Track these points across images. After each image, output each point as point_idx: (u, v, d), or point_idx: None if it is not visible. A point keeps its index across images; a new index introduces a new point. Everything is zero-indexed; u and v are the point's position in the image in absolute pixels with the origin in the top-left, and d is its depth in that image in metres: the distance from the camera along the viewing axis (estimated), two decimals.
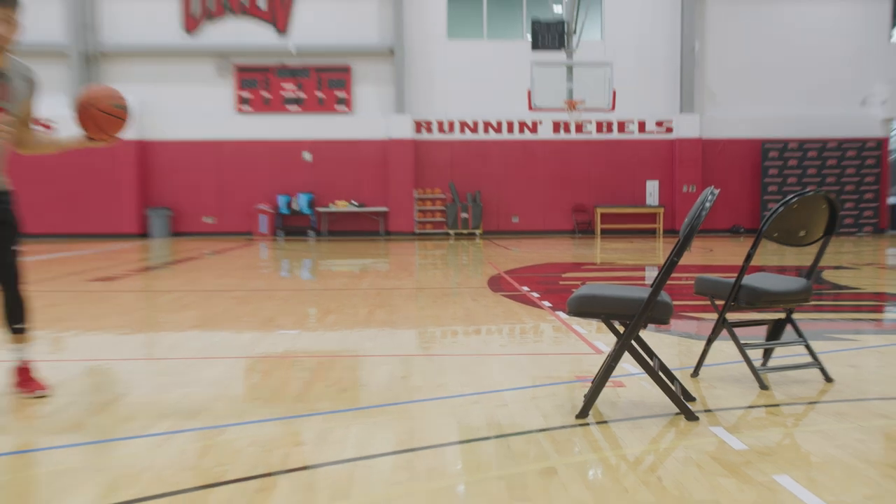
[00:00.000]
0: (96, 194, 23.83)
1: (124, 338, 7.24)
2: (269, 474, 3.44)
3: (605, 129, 24.95)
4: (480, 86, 24.88)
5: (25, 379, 4.84)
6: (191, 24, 24.64)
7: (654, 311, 4.27)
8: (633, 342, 4.37)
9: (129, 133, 4.66)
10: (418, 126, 24.83)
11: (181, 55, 24.42)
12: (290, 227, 24.74)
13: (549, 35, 20.26)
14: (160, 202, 24.42)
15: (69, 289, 10.70)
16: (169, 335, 7.26)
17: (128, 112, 4.71)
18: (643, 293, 4.32)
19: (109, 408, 4.59)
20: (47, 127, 4.65)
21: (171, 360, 6.11)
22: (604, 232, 24.68)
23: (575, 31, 20.47)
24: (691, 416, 4.23)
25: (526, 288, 10.61)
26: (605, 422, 4.24)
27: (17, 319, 4.79)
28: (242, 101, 24.58)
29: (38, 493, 3.32)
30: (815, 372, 5.24)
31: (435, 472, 3.49)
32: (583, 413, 4.28)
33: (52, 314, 8.24)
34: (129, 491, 3.26)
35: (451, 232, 24.62)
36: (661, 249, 19.12)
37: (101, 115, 4.57)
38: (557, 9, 23.66)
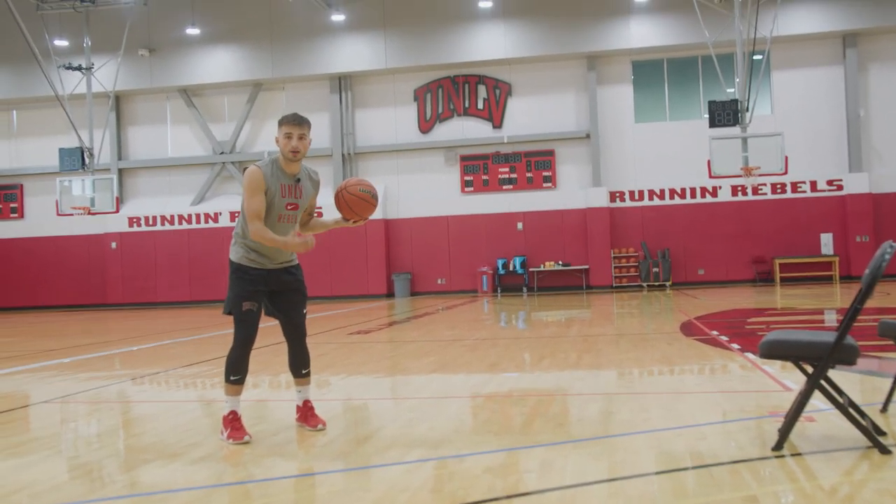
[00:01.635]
0: (352, 263, 24.95)
1: (379, 380, 7.45)
2: (504, 497, 3.41)
3: (779, 189, 23.64)
4: (665, 159, 24.28)
5: (309, 415, 5.02)
6: (424, 125, 25.59)
7: (841, 353, 3.94)
8: (822, 381, 4.05)
9: (377, 214, 4.83)
10: (612, 196, 24.49)
11: (417, 150, 25.37)
12: (507, 284, 24.88)
13: (725, 113, 19.53)
14: (402, 268, 25.24)
15: (334, 341, 11.15)
16: (414, 378, 7.41)
17: (374, 196, 4.80)
18: (829, 337, 4.01)
19: (370, 439, 4.70)
20: (318, 213, 4.90)
21: (417, 398, 6.21)
22: (783, 280, 23.24)
23: (748, 109, 19.66)
24: (884, 450, 3.84)
25: (715, 332, 10.11)
26: (800, 454, 3.93)
27: (303, 366, 4.99)
28: (466, 183, 25.15)
29: None
30: None
31: (646, 497, 3.34)
32: (778, 445, 3.99)
33: (322, 362, 8.60)
34: None
35: (645, 284, 23.96)
36: (838, 294, 17.78)
37: (352, 198, 4.73)
38: (731, 91, 22.81)
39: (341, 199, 4.76)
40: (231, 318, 4.78)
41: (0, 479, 4.03)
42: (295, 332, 4.95)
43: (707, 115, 20.44)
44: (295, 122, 4.66)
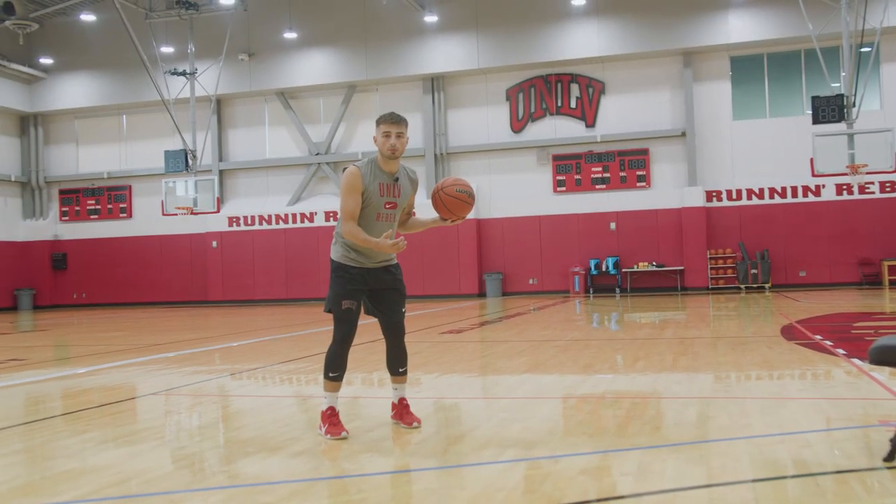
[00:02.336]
0: (444, 263, 25.11)
1: (471, 380, 7.48)
2: (601, 500, 3.37)
3: (888, 188, 22.59)
4: (764, 157, 23.54)
5: (404, 412, 5.06)
6: (516, 125, 25.55)
7: None
8: None
9: (469, 213, 4.87)
10: (709, 195, 23.89)
11: (509, 150, 25.34)
12: (599, 285, 24.59)
13: (829, 109, 18.78)
14: (493, 268, 25.25)
15: (427, 340, 11.24)
16: (506, 378, 7.40)
17: (471, 195, 4.83)
18: None
19: (464, 438, 4.72)
20: (413, 213, 4.95)
21: (510, 398, 6.20)
22: (892, 283, 22.19)
23: (854, 104, 18.85)
24: None
25: (818, 336, 9.74)
26: None
27: (400, 364, 5.03)
28: (558, 183, 24.97)
29: None
30: None
31: None
32: (890, 456, 3.81)
33: (415, 360, 8.66)
34: None
35: (742, 286, 23.27)
36: None
37: (448, 198, 4.78)
38: (836, 85, 21.91)
39: (438, 200, 4.81)
40: (331, 315, 4.85)
41: (116, 466, 4.23)
42: (393, 331, 4.99)
43: (810, 111, 19.73)
44: (393, 121, 4.70)
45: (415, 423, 4.97)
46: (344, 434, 4.71)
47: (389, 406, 5.20)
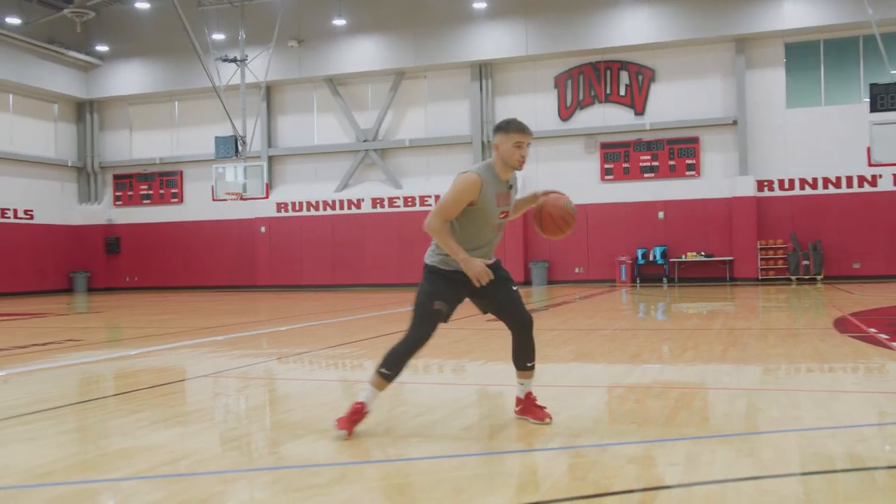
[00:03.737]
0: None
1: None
2: (650, 489, 3.35)
3: None
4: (818, 146, 23.02)
5: (534, 407, 4.72)
6: (564, 112, 25.35)
7: None
8: None
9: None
10: (760, 185, 23.45)
11: (557, 137, 25.15)
12: (646, 275, 24.34)
13: (889, 96, 18.29)
14: (540, 256, 25.15)
15: (471, 327, 11.19)
16: (554, 366, 7.35)
17: (574, 210, 4.58)
18: None
19: (510, 426, 4.69)
20: None
21: (558, 387, 6.17)
22: None
23: None
24: None
25: (873, 329, 9.51)
26: None
27: (528, 358, 4.70)
28: (606, 171, 24.74)
29: (468, 490, 3.45)
30: None
31: (801, 498, 3.19)
32: None
33: (460, 348, 8.67)
34: (535, 495, 3.32)
35: (793, 278, 22.83)
36: None
37: (559, 213, 4.55)
38: (895, 72, 21.29)
39: (546, 216, 4.57)
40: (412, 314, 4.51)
41: (168, 446, 4.32)
42: (516, 318, 4.64)
43: (868, 99, 19.23)
44: (527, 132, 4.44)
45: (547, 420, 4.62)
46: (345, 434, 4.35)
47: (514, 401, 4.88)
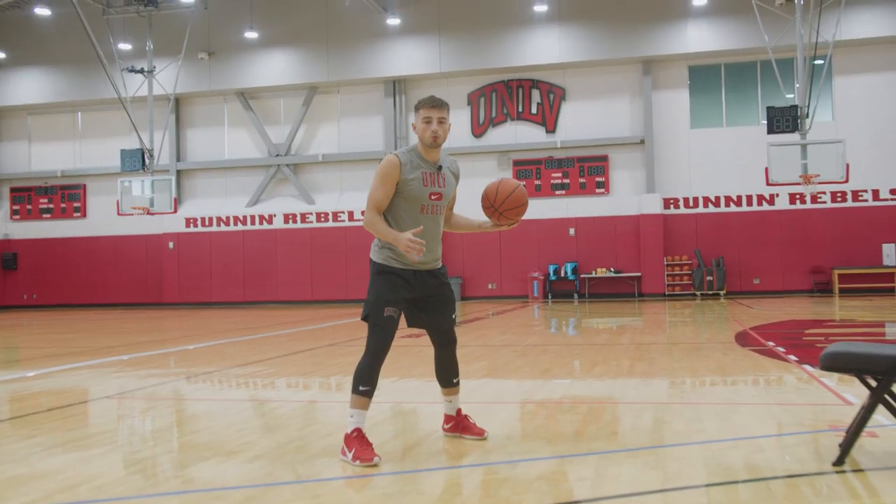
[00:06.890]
0: None
1: (429, 384, 7.43)
2: None
3: (839, 198, 23.07)
4: (720, 166, 23.90)
5: (467, 424, 4.77)
6: (478, 129, 25.61)
7: None
8: (886, 396, 3.94)
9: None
10: (666, 202, 24.19)
11: (470, 154, 25.30)
12: (558, 290, 24.74)
13: (784, 119, 19.15)
14: (453, 272, 25.21)
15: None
16: (465, 382, 7.35)
17: (524, 192, 4.62)
18: (894, 350, 3.90)
19: (422, 443, 4.69)
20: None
21: (468, 403, 6.15)
22: (841, 291, 22.67)
23: (808, 115, 19.25)
24: None
25: (771, 343, 9.92)
26: (862, 470, 3.83)
27: (454, 374, 4.77)
28: None
29: None
30: None
31: None
32: (839, 461, 3.90)
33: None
34: None
35: (698, 293, 23.60)
36: None
37: (511, 202, 4.56)
38: (790, 97, 22.34)
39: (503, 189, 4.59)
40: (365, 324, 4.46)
41: (65, 472, 4.14)
42: (445, 339, 4.69)
43: (765, 122, 20.07)
44: (434, 105, 4.37)
45: (484, 435, 4.69)
46: (376, 460, 4.13)
47: (440, 419, 4.93)
